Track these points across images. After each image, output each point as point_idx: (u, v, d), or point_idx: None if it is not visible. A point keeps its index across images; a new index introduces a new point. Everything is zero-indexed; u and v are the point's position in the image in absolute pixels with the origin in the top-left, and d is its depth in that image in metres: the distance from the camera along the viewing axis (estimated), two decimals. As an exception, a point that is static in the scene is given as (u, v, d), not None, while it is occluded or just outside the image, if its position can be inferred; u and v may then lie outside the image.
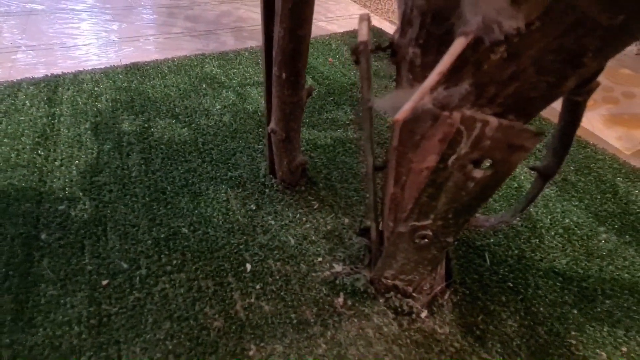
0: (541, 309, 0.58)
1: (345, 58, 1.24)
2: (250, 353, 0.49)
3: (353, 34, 1.41)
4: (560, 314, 0.57)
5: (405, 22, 0.28)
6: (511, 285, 0.61)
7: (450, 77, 0.27)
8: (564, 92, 0.28)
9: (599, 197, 0.80)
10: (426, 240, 0.41)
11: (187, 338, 0.49)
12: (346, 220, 0.68)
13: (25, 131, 0.80)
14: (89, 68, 1.05)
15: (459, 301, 0.57)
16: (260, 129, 0.89)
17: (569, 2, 0.22)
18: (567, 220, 0.73)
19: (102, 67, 1.08)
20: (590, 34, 0.23)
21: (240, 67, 1.15)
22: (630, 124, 1.10)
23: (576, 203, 0.78)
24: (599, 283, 0.62)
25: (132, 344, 0.48)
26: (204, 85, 1.04)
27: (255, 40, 1.47)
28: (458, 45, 0.23)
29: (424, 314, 0.53)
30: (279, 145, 0.65)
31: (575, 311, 0.58)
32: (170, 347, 0.48)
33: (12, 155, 0.74)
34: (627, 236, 0.71)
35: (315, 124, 0.93)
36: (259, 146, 0.84)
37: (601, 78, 0.32)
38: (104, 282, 0.54)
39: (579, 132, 0.99)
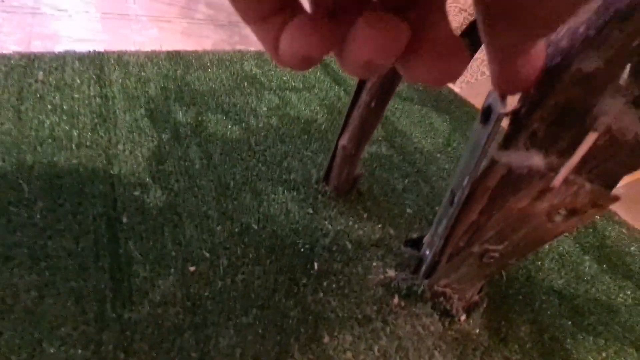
0: (545, 319, 0.71)
1: (372, 75, 1.33)
2: (325, 340, 0.57)
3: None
4: (559, 325, 0.71)
5: (537, 105, 0.38)
6: (522, 298, 0.74)
7: (565, 152, 0.38)
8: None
9: (582, 230, 0.96)
10: (492, 259, 0.52)
11: (272, 324, 0.56)
12: (392, 231, 0.77)
13: (81, 110, 0.81)
14: (132, 49, 1.06)
15: (486, 308, 0.69)
16: (306, 136, 0.96)
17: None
18: (560, 248, 0.89)
19: (144, 49, 1.08)
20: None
21: (277, 70, 1.21)
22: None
23: (567, 234, 0.93)
24: (586, 302, 0.77)
25: (226, 325, 0.54)
26: (245, 84, 1.09)
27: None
28: (591, 138, 0.33)
29: (463, 317, 0.64)
30: (345, 158, 0.73)
31: (570, 323, 0.72)
32: (259, 330, 0.55)
33: (74, 133, 0.75)
34: (604, 265, 0.88)
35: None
36: (308, 152, 0.91)
37: None
38: (192, 268, 0.59)
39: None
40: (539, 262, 0.83)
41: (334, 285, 0.64)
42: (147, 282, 0.56)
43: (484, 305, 0.66)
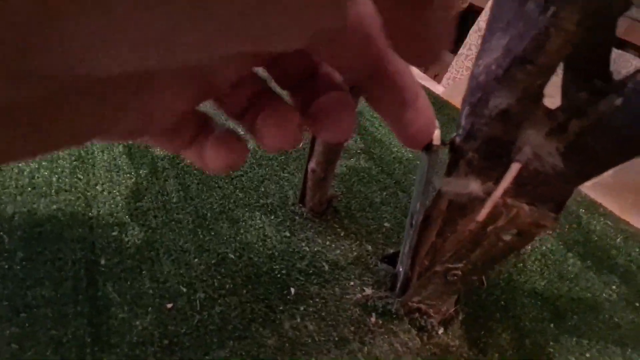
0: (527, 323, 0.72)
1: (351, 86, 1.34)
2: (303, 366, 0.58)
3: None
4: (541, 328, 0.72)
5: (470, 136, 0.39)
6: (503, 304, 0.75)
7: (500, 179, 0.39)
8: (573, 191, 0.40)
9: (566, 227, 0.97)
10: (456, 277, 0.53)
11: (248, 355, 0.58)
12: (369, 247, 0.78)
13: (60, 153, 0.83)
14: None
15: (465, 319, 0.69)
16: (282, 157, 0.98)
17: (586, 145, 0.34)
18: (543, 248, 0.89)
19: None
20: (598, 162, 0.35)
21: (255, 90, 1.22)
22: (589, 160, 1.31)
23: (550, 233, 0.94)
24: (568, 302, 0.78)
25: (202, 361, 0.55)
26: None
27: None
28: (515, 169, 0.34)
29: (440, 330, 0.65)
30: (316, 182, 0.74)
31: (552, 325, 0.73)
32: (236, 363, 0.56)
33: (53, 179, 0.77)
34: (588, 261, 0.88)
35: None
36: (284, 174, 0.92)
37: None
38: (169, 305, 0.61)
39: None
40: (521, 264, 0.84)
41: (310, 309, 0.66)
42: (125, 323, 0.58)
43: (460, 316, 0.67)
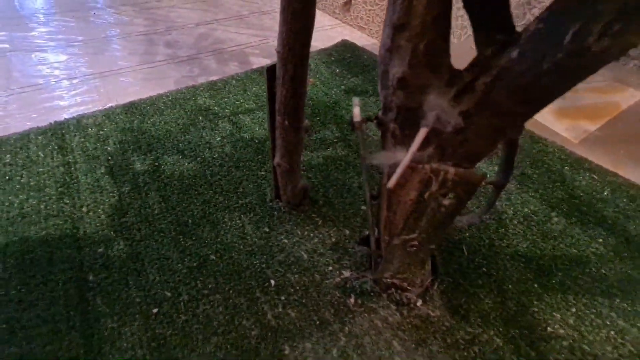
0: (510, 286, 0.72)
1: (325, 77, 1.35)
2: (286, 352, 0.60)
3: (331, 50, 1.52)
4: (524, 289, 0.72)
5: (386, 108, 0.40)
6: (485, 270, 0.75)
7: (420, 145, 0.40)
8: (497, 146, 0.41)
9: (550, 185, 0.96)
10: (415, 247, 0.54)
11: (232, 348, 0.60)
12: (347, 232, 0.80)
13: (47, 182, 0.88)
14: (90, 111, 1.13)
15: (445, 289, 0.70)
16: (260, 156, 1.00)
17: (494, 100, 0.35)
18: (525, 210, 0.89)
19: (101, 107, 1.15)
20: (508, 116, 0.36)
21: (230, 95, 1.25)
22: (576, 116, 1.28)
23: (532, 193, 0.93)
24: (553, 259, 0.77)
25: (189, 358, 0.58)
26: (200, 118, 1.14)
27: (236, 62, 1.56)
28: (422, 134, 0.35)
29: (419, 303, 0.66)
30: (284, 175, 0.76)
31: (536, 285, 0.73)
32: (220, 356, 0.59)
33: (42, 206, 0.82)
34: (573, 218, 0.87)
35: (307, 145, 1.04)
36: (262, 172, 0.94)
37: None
38: (154, 311, 0.64)
39: (532, 127, 1.15)
40: (503, 229, 0.84)
41: (292, 297, 0.68)
42: (115, 332, 0.61)
43: (440, 286, 0.68)
